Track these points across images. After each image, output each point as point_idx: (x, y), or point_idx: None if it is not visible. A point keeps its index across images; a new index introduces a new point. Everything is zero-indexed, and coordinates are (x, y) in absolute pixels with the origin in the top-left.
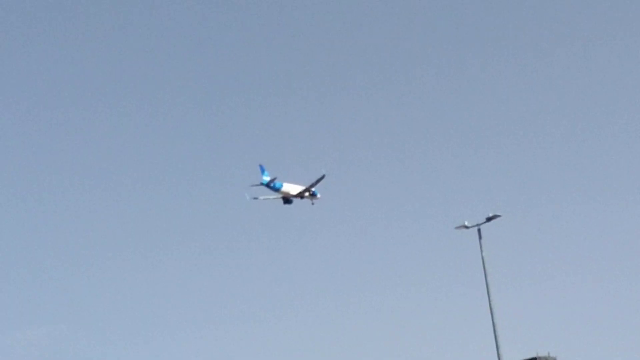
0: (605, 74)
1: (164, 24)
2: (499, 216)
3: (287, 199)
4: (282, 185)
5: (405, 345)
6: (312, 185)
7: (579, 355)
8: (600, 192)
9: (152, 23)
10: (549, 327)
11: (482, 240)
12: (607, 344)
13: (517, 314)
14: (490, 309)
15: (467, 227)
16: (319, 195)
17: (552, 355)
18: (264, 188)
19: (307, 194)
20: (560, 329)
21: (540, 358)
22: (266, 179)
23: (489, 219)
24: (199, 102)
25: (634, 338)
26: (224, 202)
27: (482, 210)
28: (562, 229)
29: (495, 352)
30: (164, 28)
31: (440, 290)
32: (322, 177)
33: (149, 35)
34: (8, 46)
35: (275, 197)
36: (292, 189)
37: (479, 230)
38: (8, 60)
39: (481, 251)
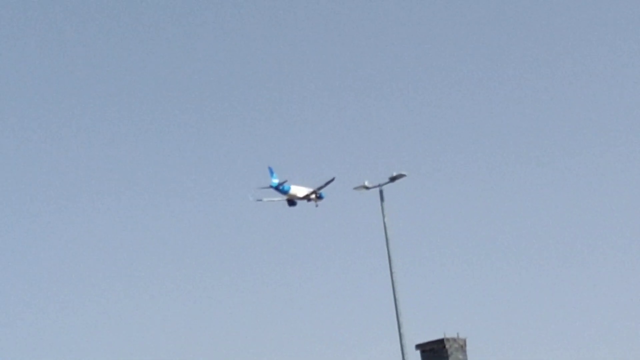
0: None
1: (171, 21)
2: (403, 176)
3: (292, 201)
4: (290, 188)
5: (299, 320)
6: (320, 188)
7: (491, 337)
8: (518, 152)
9: (159, 20)
10: (459, 306)
11: (385, 204)
12: (520, 325)
13: (424, 289)
14: (392, 282)
15: (367, 188)
16: (324, 197)
17: (461, 336)
18: (270, 190)
19: (313, 196)
20: (471, 308)
21: (448, 339)
22: (275, 181)
23: (392, 179)
24: (205, 102)
25: (545, 319)
26: (231, 203)
27: (385, 169)
28: (478, 192)
29: (397, 331)
30: (172, 25)
31: (335, 260)
32: (332, 180)
33: (154, 30)
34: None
35: (280, 198)
36: (300, 191)
37: (380, 192)
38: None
39: (383, 216)
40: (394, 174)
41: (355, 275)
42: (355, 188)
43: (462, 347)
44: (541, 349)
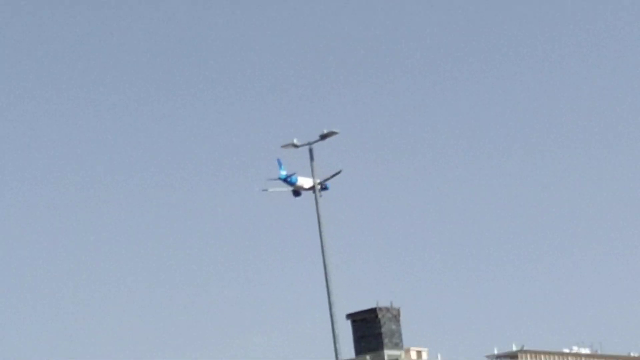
0: None
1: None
2: (335, 133)
3: (297, 192)
4: (297, 180)
5: (222, 288)
6: (327, 180)
7: (426, 306)
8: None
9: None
10: (393, 275)
11: (315, 163)
12: (455, 295)
13: (355, 255)
14: (322, 247)
15: (296, 146)
16: (329, 189)
17: (395, 306)
18: (278, 181)
19: (319, 187)
20: (406, 278)
21: (381, 309)
22: (284, 173)
23: (323, 137)
24: (212, 93)
25: (479, 289)
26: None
27: (316, 127)
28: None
29: (327, 299)
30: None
31: (261, 226)
32: (339, 172)
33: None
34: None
35: (286, 189)
36: (306, 182)
37: (310, 151)
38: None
39: (312, 177)
40: (325, 131)
41: (282, 240)
42: (284, 146)
43: (396, 317)
44: (474, 318)
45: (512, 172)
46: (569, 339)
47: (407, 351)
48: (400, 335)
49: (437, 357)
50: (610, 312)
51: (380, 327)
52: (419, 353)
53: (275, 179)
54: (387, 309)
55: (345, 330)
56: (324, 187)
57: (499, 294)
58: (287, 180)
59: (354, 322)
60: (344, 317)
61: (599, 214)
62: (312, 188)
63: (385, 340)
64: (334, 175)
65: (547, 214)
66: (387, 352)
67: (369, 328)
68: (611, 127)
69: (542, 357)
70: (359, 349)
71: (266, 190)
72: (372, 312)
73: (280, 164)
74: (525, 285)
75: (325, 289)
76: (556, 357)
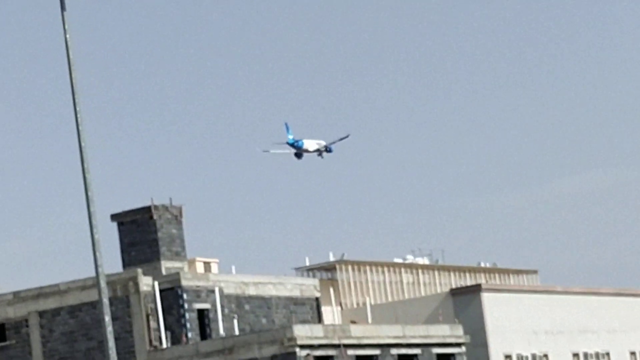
0: None
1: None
2: None
3: (299, 154)
4: (303, 144)
5: None
6: (333, 143)
7: (214, 205)
8: None
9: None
10: (172, 168)
11: (67, 13)
12: (252, 189)
13: (125, 146)
14: (77, 124)
15: None
16: (333, 152)
17: (175, 204)
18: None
19: (323, 149)
20: (189, 172)
21: (157, 207)
22: (291, 137)
23: None
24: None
25: (287, 181)
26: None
27: None
28: None
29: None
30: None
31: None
32: (346, 137)
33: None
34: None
35: (288, 151)
36: (311, 145)
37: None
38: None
39: (64, 33)
40: None
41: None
42: None
43: (177, 218)
44: (281, 221)
45: None
46: (403, 247)
47: (192, 262)
48: (182, 242)
49: (231, 270)
50: (454, 215)
51: (155, 232)
52: (207, 265)
53: (282, 143)
54: (166, 208)
55: (111, 236)
56: (328, 150)
57: (312, 190)
58: (294, 145)
59: (121, 225)
60: (109, 218)
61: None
62: (317, 150)
63: (163, 249)
64: (341, 139)
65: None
66: (165, 264)
67: (141, 233)
68: None
69: (368, 268)
70: (128, 260)
71: (267, 151)
72: (145, 211)
73: (287, 128)
74: (346, 177)
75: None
76: (385, 269)
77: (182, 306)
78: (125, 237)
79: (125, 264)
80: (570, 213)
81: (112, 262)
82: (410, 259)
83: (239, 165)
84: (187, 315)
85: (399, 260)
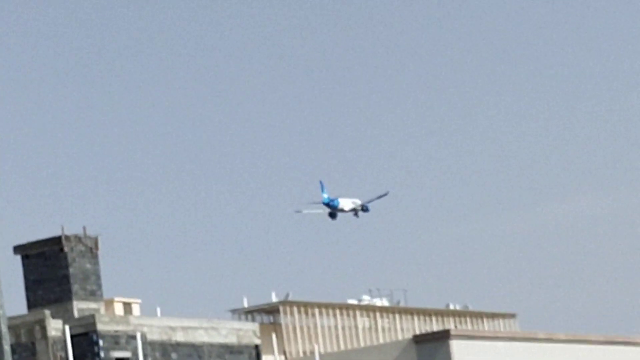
0: None
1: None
2: None
3: (334, 214)
4: (339, 203)
5: None
6: (370, 201)
7: (136, 236)
8: None
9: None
10: (89, 190)
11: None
12: (179, 219)
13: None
14: None
15: None
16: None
17: (90, 234)
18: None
19: (360, 208)
20: (110, 194)
21: (69, 238)
22: (326, 196)
23: None
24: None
25: (221, 210)
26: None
27: None
28: None
29: None
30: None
31: None
32: (385, 194)
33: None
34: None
35: (322, 210)
36: (347, 204)
37: None
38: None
39: None
40: None
41: None
42: None
43: (92, 251)
44: (217, 255)
45: None
46: (359, 286)
47: (110, 303)
48: (98, 278)
49: (155, 312)
50: (418, 249)
51: (67, 266)
52: (127, 306)
53: (317, 203)
54: (79, 239)
55: (15, 271)
56: (365, 209)
57: (252, 223)
58: (329, 204)
59: (25, 259)
60: (11, 250)
61: None
62: (354, 210)
63: (75, 287)
64: (379, 197)
65: None
66: (78, 305)
67: (50, 268)
68: None
69: (316, 310)
70: (34, 301)
71: (300, 211)
72: (55, 242)
73: (322, 187)
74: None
75: None
76: (337, 311)
77: (98, 354)
78: (31, 273)
79: (31, 305)
80: (554, 247)
81: (16, 303)
82: (366, 300)
83: (165, 190)
84: None
85: (354, 302)
